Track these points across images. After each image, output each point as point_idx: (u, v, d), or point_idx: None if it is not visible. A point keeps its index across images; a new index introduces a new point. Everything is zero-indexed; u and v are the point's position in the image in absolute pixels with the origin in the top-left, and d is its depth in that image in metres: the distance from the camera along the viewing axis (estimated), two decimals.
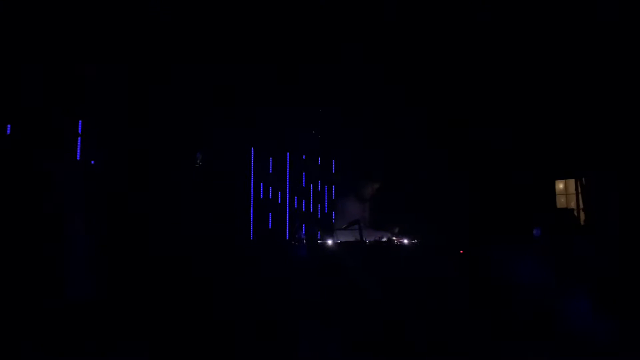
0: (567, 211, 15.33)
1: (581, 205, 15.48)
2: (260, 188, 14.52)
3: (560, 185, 16.42)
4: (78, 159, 11.05)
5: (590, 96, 13.86)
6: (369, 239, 11.60)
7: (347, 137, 15.22)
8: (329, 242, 10.99)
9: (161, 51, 12.12)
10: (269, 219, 14.37)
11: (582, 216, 15.27)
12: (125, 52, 11.49)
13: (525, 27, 13.31)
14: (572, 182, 16.01)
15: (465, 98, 15.04)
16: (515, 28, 13.29)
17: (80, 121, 11.20)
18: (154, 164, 11.94)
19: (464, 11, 12.89)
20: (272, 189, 14.68)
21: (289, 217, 14.57)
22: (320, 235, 12.69)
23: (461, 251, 11.44)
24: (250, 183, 14.30)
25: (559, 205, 16.09)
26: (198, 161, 12.12)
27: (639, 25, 12.02)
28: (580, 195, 15.61)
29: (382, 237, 12.17)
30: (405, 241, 11.66)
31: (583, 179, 15.11)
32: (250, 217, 13.87)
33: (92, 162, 11.24)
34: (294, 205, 14.68)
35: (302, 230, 12.88)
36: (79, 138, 11.11)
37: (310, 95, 14.40)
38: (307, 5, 12.33)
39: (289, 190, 15.06)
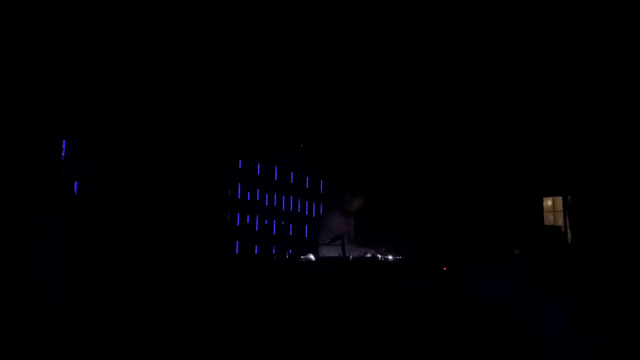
0: (554, 228, 15.38)
1: (569, 223, 15.50)
2: (247, 197, 14.56)
3: (548, 202, 16.44)
4: (61, 164, 11.14)
5: (580, 113, 13.95)
6: (352, 254, 11.62)
7: (334, 152, 15.24)
8: (311, 257, 10.98)
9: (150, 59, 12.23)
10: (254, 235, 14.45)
11: (570, 233, 15.30)
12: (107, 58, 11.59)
13: (511, 46, 13.43)
14: (560, 199, 16.03)
15: (454, 117, 15.12)
16: (499, 48, 13.42)
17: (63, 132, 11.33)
18: (139, 173, 12.05)
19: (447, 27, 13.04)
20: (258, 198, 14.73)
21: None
22: (300, 252, 12.64)
23: (444, 268, 11.47)
24: (237, 192, 14.36)
25: (546, 223, 16.11)
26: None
27: (621, 49, 12.15)
28: (567, 213, 15.63)
29: (367, 253, 12.19)
30: (390, 257, 11.68)
31: (569, 196, 15.15)
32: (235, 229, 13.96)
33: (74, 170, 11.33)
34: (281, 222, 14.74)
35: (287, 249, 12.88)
36: (64, 143, 11.23)
37: (299, 110, 14.46)
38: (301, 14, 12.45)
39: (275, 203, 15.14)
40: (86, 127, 11.63)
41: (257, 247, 13.82)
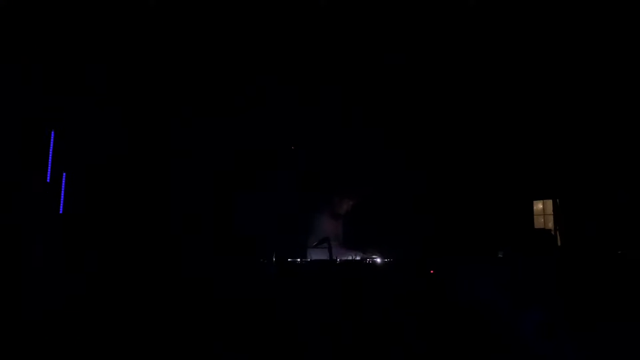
0: (544, 232, 15.42)
1: (558, 226, 15.53)
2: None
3: (539, 205, 16.46)
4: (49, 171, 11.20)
5: (572, 116, 13.98)
6: (340, 257, 11.64)
7: (323, 153, 15.26)
8: (298, 260, 11.02)
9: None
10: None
11: (559, 237, 15.32)
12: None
13: (504, 50, 13.48)
14: (550, 202, 16.05)
15: (444, 119, 15.14)
16: (493, 51, 13.47)
17: (52, 132, 11.36)
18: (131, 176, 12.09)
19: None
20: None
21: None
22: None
23: (432, 271, 11.52)
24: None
25: (537, 226, 16.13)
26: None
27: (615, 56, 12.20)
28: (556, 216, 15.66)
29: (355, 256, 12.22)
30: (378, 260, 11.71)
31: (558, 200, 15.19)
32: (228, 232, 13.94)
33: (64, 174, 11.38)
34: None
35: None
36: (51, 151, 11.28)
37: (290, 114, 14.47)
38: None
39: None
40: (86, 127, 11.67)
41: (247, 249, 13.78)
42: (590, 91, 13.15)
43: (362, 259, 11.95)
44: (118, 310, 8.96)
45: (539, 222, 16.78)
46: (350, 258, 12.02)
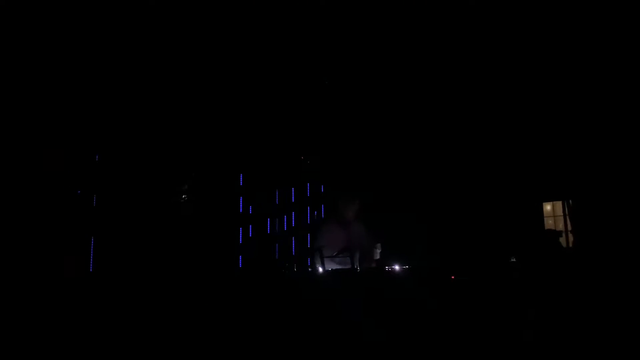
0: (555, 233, 15.36)
1: (569, 228, 15.50)
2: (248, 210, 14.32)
3: (547, 207, 16.50)
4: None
5: (579, 113, 13.94)
6: (359, 266, 11.39)
7: (331, 160, 15.12)
8: (320, 269, 10.74)
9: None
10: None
11: (571, 238, 15.29)
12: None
13: (509, 49, 13.40)
14: (559, 204, 16.06)
15: (452, 116, 15.01)
16: (497, 50, 13.38)
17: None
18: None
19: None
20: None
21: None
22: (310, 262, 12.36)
23: (452, 277, 11.29)
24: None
25: (546, 228, 16.13)
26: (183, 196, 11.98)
27: (621, 53, 12.15)
28: (567, 218, 15.63)
29: (372, 264, 11.95)
30: (397, 267, 11.45)
31: (570, 201, 15.15)
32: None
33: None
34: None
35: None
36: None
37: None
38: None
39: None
40: (86, 129, 11.42)
41: (261, 261, 13.53)
42: (602, 88, 13.11)
43: (380, 267, 11.69)
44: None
45: (548, 224, 16.81)
46: (369, 265, 11.76)
